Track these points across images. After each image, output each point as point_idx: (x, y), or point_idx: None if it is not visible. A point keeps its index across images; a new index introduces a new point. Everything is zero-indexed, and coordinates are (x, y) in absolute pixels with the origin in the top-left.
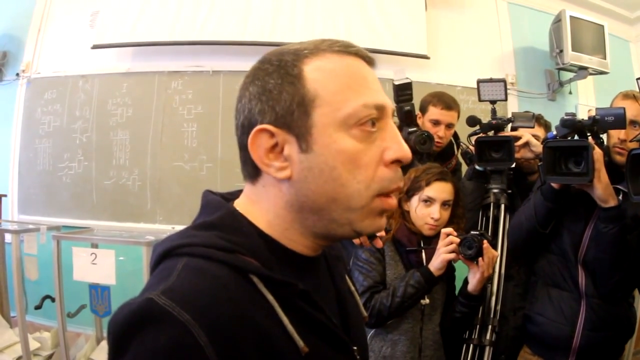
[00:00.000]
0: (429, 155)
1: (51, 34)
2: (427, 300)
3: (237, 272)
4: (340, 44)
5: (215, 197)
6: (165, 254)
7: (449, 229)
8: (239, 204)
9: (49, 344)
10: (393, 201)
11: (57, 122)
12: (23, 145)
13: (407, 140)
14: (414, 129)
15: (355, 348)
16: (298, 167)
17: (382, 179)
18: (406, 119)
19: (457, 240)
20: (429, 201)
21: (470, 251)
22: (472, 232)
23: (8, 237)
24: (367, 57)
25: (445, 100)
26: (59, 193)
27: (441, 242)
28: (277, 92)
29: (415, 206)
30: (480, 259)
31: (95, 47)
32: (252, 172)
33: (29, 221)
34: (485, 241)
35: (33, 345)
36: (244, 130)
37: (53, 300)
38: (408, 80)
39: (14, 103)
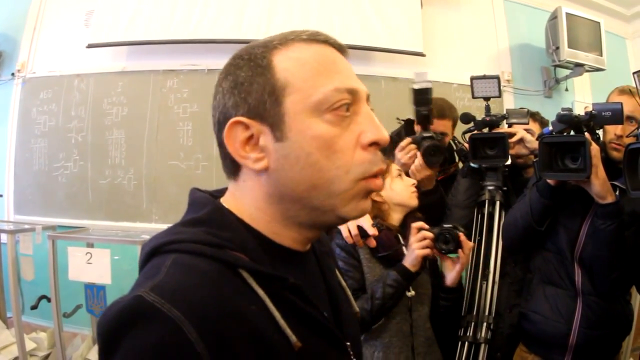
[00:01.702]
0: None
1: (46, 33)
2: (412, 292)
3: (227, 268)
4: (308, 32)
5: (202, 194)
6: (153, 252)
7: (420, 223)
8: (225, 201)
9: (45, 344)
10: (379, 181)
11: (52, 122)
12: (19, 145)
13: (418, 145)
14: (430, 134)
15: (348, 343)
16: (274, 157)
17: (362, 161)
18: (422, 123)
19: (431, 235)
20: (400, 174)
21: (448, 245)
22: (444, 226)
23: (4, 237)
24: (337, 44)
25: (437, 108)
26: (54, 193)
27: (413, 238)
28: (248, 84)
29: (391, 186)
30: (460, 250)
31: (90, 46)
32: (232, 167)
33: (24, 221)
34: (460, 234)
35: (29, 345)
36: (220, 126)
37: (49, 300)
38: (428, 86)
39: (9, 103)
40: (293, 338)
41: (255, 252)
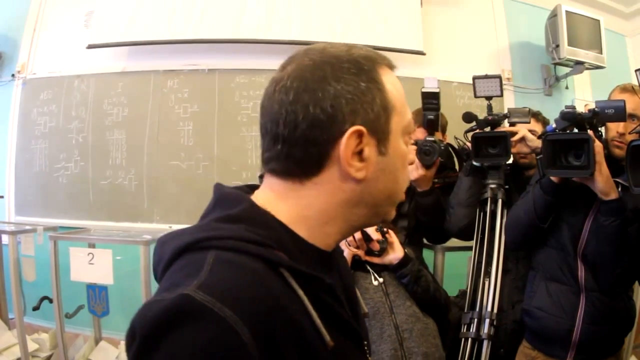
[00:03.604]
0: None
1: (46, 34)
2: (380, 279)
3: (269, 266)
4: (388, 59)
5: (232, 190)
6: (187, 248)
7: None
8: (260, 198)
9: (47, 345)
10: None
11: (53, 123)
12: (19, 147)
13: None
14: (433, 139)
15: (365, 342)
16: (374, 168)
17: (410, 176)
18: (428, 127)
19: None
20: None
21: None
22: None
23: (5, 239)
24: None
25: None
26: (55, 194)
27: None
28: (370, 96)
29: None
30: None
31: (90, 46)
32: (310, 169)
33: (26, 222)
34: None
35: (31, 346)
36: (315, 124)
37: (51, 301)
38: (436, 90)
39: (9, 104)
40: (327, 338)
41: (293, 251)
